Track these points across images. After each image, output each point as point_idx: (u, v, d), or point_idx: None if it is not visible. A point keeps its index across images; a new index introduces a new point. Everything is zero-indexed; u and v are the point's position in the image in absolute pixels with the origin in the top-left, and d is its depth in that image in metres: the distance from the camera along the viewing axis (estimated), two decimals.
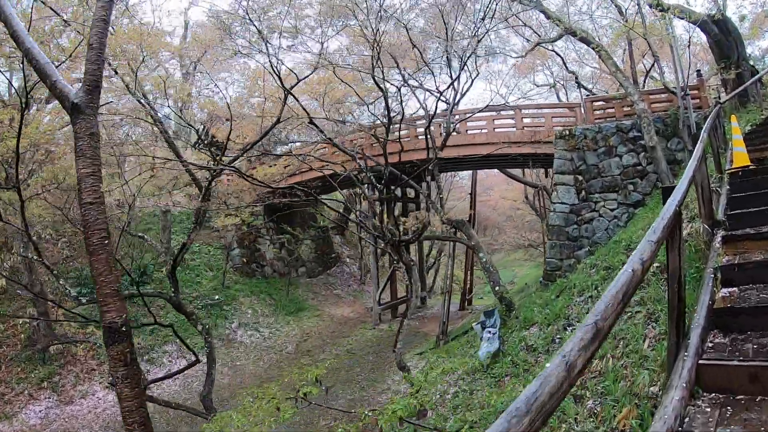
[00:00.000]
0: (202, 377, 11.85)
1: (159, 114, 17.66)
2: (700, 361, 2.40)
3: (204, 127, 19.11)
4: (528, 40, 16.61)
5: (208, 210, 9.89)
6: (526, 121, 15.96)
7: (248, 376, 15.20)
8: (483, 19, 10.88)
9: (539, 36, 15.31)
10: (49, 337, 13.97)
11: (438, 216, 13.42)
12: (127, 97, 9.50)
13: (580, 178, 13.31)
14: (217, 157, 9.01)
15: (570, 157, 13.50)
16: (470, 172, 24.71)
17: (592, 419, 3.89)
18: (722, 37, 12.66)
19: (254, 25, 7.81)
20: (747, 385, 2.24)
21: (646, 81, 20.24)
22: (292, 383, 6.41)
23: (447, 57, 11.30)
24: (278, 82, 8.24)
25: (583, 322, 1.23)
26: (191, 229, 9.24)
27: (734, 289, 3.35)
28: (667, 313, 2.91)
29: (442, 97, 12.25)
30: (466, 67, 13.95)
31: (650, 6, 12.09)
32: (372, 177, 9.63)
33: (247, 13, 7.79)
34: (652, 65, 14.85)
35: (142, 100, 8.23)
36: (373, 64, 8.82)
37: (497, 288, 12.10)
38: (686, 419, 2.10)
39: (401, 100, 11.12)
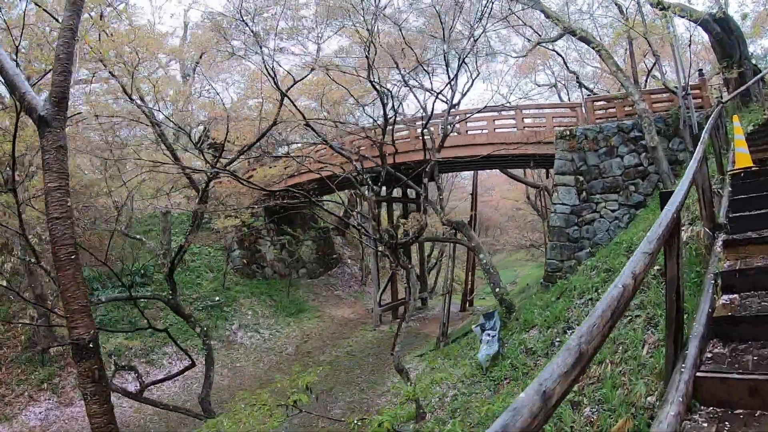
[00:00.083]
0: (202, 378, 11.82)
1: (159, 115, 17.69)
2: (698, 374, 2.32)
3: (205, 128, 19.09)
4: (529, 40, 16.51)
5: (206, 212, 9.83)
6: (527, 121, 15.86)
7: (248, 378, 15.16)
8: (480, 19, 10.78)
9: (540, 36, 15.20)
10: (49, 339, 13.95)
11: (438, 217, 13.34)
12: (135, 97, 9.43)
13: (581, 178, 13.21)
14: (215, 160, 8.96)
15: (571, 157, 13.41)
16: (472, 172, 24.57)
17: (588, 427, 3.82)
18: (724, 35, 12.54)
19: (248, 27, 7.74)
20: (746, 399, 2.16)
21: (648, 80, 20.12)
22: (286, 388, 6.35)
23: (445, 57, 11.21)
24: (273, 84, 8.18)
25: (565, 345, 1.15)
26: (188, 232, 9.18)
27: (735, 295, 3.26)
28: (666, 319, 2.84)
29: (440, 98, 12.16)
30: (466, 68, 13.89)
31: (651, 5, 11.98)
32: (369, 179, 9.55)
33: (241, 15, 7.71)
34: (654, 65, 14.73)
35: (139, 103, 8.18)
36: (368, 65, 8.74)
37: (497, 290, 12.02)
38: None
39: (393, 103, 10.99)
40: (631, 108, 12.91)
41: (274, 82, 8.12)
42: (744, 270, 3.41)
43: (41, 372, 13.62)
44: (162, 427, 11.96)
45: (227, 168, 9.68)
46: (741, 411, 2.14)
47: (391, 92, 13.49)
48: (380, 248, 10.62)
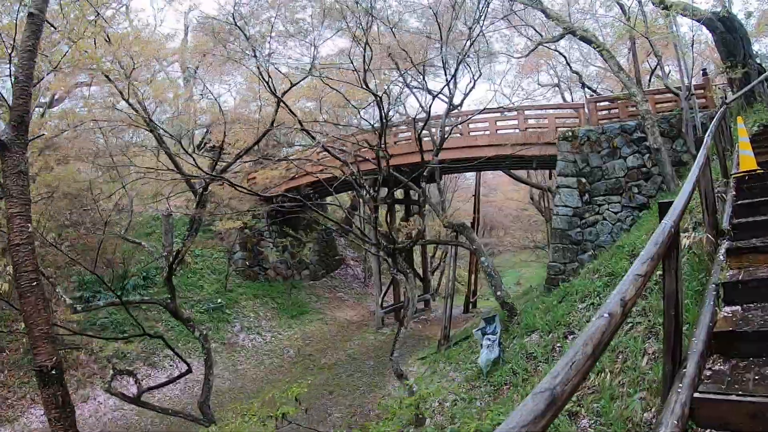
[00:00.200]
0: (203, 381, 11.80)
1: (160, 118, 17.66)
2: (696, 394, 2.22)
3: (207, 131, 19.06)
4: (531, 40, 16.37)
5: (204, 216, 9.78)
6: (529, 122, 15.74)
7: (249, 381, 15.12)
8: (477, 21, 10.66)
9: (542, 36, 15.07)
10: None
11: (439, 220, 13.24)
12: (132, 101, 9.39)
13: (584, 180, 13.07)
14: (213, 164, 8.91)
15: (573, 158, 13.27)
16: (475, 173, 24.41)
17: None
18: (728, 34, 12.35)
19: (242, 31, 7.66)
20: (746, 422, 2.06)
21: (651, 80, 19.92)
22: (276, 399, 6.27)
23: (443, 58, 11.10)
24: (268, 88, 8.11)
25: (537, 387, 1.05)
26: (187, 236, 9.14)
27: (737, 308, 3.16)
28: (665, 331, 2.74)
29: (441, 98, 12.04)
30: (468, 69, 13.75)
31: (654, 4, 11.82)
32: (365, 182, 9.45)
33: (234, 19, 7.64)
34: (657, 64, 14.57)
35: (136, 107, 8.14)
36: (364, 68, 8.66)
37: (499, 293, 11.90)
38: None
39: (389, 106, 10.82)
40: (634, 108, 12.76)
41: (268, 86, 8.05)
42: (747, 281, 3.29)
43: None
44: (163, 429, 11.95)
45: (225, 171, 9.63)
46: None
47: (389, 95, 13.38)
48: (376, 252, 10.52)
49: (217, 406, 12.08)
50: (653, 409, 2.98)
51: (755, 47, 15.22)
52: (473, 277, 22.93)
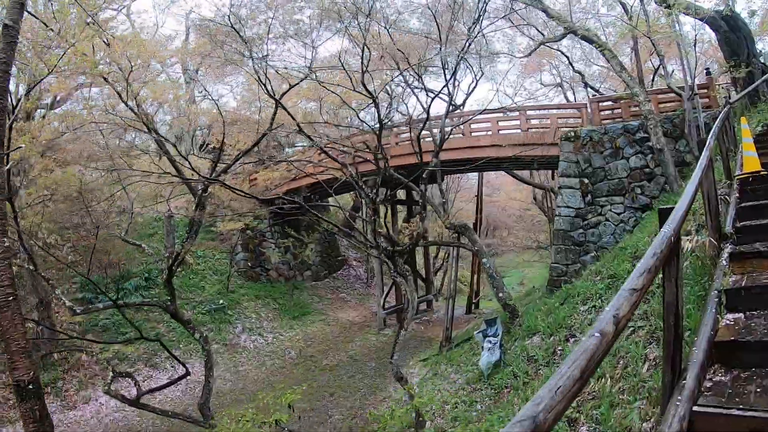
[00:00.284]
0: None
1: (164, 119, 17.64)
2: (695, 408, 2.15)
3: (209, 132, 19.05)
4: (533, 40, 16.28)
5: (204, 218, 9.74)
6: (532, 122, 15.64)
7: (250, 382, 15.10)
8: (477, 20, 10.58)
9: (543, 35, 14.96)
10: (53, 343, 13.99)
11: (441, 220, 13.17)
12: (131, 103, 9.38)
13: (586, 181, 12.97)
14: (212, 166, 8.88)
15: (575, 159, 13.18)
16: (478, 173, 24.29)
17: None
18: (731, 33, 12.21)
19: (238, 33, 7.61)
20: None
21: (654, 80, 19.77)
22: (269, 405, 6.22)
23: (441, 59, 11.02)
24: (265, 90, 8.06)
25: (519, 414, 0.98)
26: (186, 238, 9.11)
27: (740, 315, 3.08)
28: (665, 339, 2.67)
29: (442, 98, 11.96)
30: (470, 69, 13.68)
31: (656, 2, 11.70)
32: (366, 183, 9.39)
33: (230, 21, 7.58)
34: (660, 64, 14.43)
35: (135, 109, 8.12)
36: (362, 69, 8.60)
37: (501, 294, 11.83)
38: None
39: (384, 107, 10.73)
40: (637, 108, 12.65)
41: (265, 88, 8.00)
42: (750, 288, 3.22)
43: (44, 375, 13.64)
44: (164, 431, 11.94)
45: (226, 173, 9.59)
46: None
47: (391, 95, 13.31)
48: (375, 255, 10.45)
49: (218, 407, 12.06)
50: (652, 420, 2.92)
51: (759, 46, 15.06)
52: (476, 277, 22.82)
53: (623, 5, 12.20)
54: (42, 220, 11.50)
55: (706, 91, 12.75)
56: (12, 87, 12.20)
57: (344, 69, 8.76)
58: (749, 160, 6.68)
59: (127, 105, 7.73)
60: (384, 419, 5.68)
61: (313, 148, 15.75)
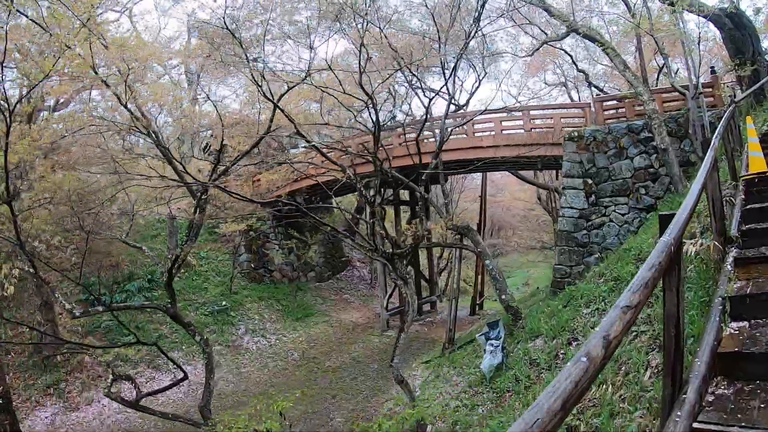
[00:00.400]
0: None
1: (168, 121, 17.61)
2: (695, 424, 2.06)
3: (211, 134, 19.04)
4: (536, 39, 16.14)
5: (204, 220, 9.70)
6: (535, 122, 15.51)
7: (253, 384, 15.08)
8: (476, 20, 10.47)
9: (546, 34, 14.82)
10: (56, 345, 14.01)
11: (443, 222, 13.07)
12: (131, 105, 9.36)
13: (590, 181, 12.82)
14: (213, 168, 8.83)
15: (579, 159, 13.04)
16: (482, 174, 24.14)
17: None
18: (736, 31, 12.02)
19: (233, 35, 7.55)
20: None
21: (659, 79, 19.57)
22: (261, 412, 6.15)
23: (441, 58, 10.92)
24: (262, 93, 8.01)
25: None
26: (185, 241, 9.07)
27: (744, 323, 2.98)
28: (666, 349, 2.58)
29: (444, 99, 11.85)
30: (473, 68, 13.57)
31: (660, 0, 11.53)
32: (369, 183, 9.32)
33: (225, 23, 7.52)
34: (664, 63, 14.27)
35: (135, 112, 8.09)
36: (360, 69, 8.52)
37: (503, 296, 11.72)
38: None
39: (386, 108, 10.62)
40: (641, 108, 12.49)
41: (261, 90, 7.94)
42: (755, 295, 3.11)
43: (47, 377, 13.70)
44: None
45: (227, 174, 9.55)
46: None
47: (394, 96, 13.24)
48: (377, 257, 10.37)
49: (220, 409, 12.04)
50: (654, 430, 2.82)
51: (764, 44, 14.81)
52: (480, 278, 22.69)
53: (626, 3, 12.05)
54: (45, 223, 11.50)
55: (710, 89, 12.56)
56: (15, 91, 12.26)
57: (333, 72, 8.68)
58: (755, 161, 6.54)
59: (126, 108, 7.70)
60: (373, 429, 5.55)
61: (312, 150, 15.70)
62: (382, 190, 12.92)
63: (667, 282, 2.36)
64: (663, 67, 17.77)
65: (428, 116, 11.83)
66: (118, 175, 10.18)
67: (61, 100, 16.27)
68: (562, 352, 7.52)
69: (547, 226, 34.13)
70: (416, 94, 14.61)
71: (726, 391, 2.40)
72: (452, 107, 20.60)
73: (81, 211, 11.16)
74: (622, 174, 12.54)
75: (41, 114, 15.46)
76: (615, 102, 14.47)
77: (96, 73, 6.91)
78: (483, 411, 7.92)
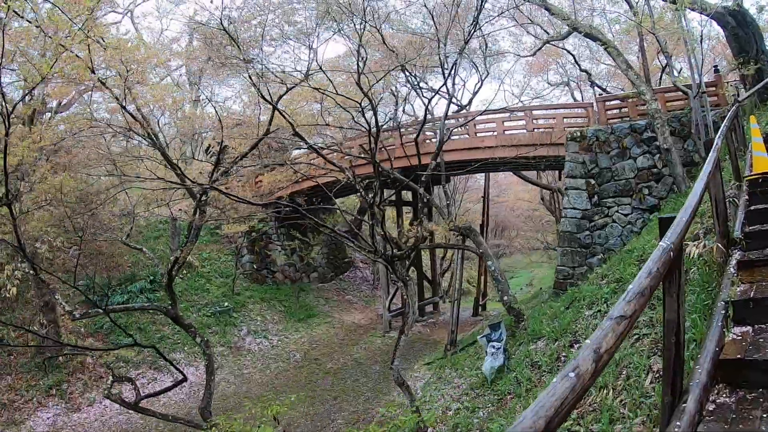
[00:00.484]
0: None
1: (166, 122, 17.62)
2: None
3: (213, 137, 19.03)
4: (538, 38, 16.04)
5: (203, 222, 9.67)
6: (538, 122, 15.41)
7: (255, 385, 15.05)
8: (475, 20, 10.40)
9: (548, 34, 14.73)
10: (58, 347, 14.04)
11: (445, 223, 13.01)
12: (131, 107, 9.36)
13: (593, 181, 12.73)
14: (213, 169, 8.80)
15: (582, 159, 12.94)
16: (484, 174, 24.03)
17: None
18: (740, 29, 11.88)
19: (230, 36, 7.51)
20: None
21: (663, 78, 19.42)
22: (256, 416, 6.10)
23: (440, 58, 10.85)
24: (260, 95, 7.97)
25: None
26: (184, 243, 9.05)
27: (748, 328, 2.91)
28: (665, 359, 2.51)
29: (443, 96, 11.77)
30: (475, 68, 13.49)
31: None
32: (367, 186, 9.28)
33: (222, 24, 7.48)
34: (667, 63, 14.15)
35: (134, 114, 8.07)
36: (358, 70, 8.46)
37: (506, 298, 11.65)
38: None
39: (374, 111, 10.45)
40: (644, 107, 12.39)
41: (259, 92, 7.90)
42: (759, 299, 3.03)
43: (50, 378, 13.72)
44: None
45: (226, 177, 9.52)
46: None
47: (396, 96, 13.18)
48: (377, 259, 10.31)
49: (222, 410, 12.01)
50: None
51: None
52: (483, 279, 22.59)
53: (628, 1, 11.94)
54: (46, 224, 11.51)
55: (714, 89, 12.44)
56: (18, 93, 12.28)
57: (326, 74, 8.63)
58: (759, 161, 6.45)
59: (125, 109, 7.68)
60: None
61: (311, 152, 15.66)
62: (384, 191, 12.85)
63: (667, 287, 2.30)
64: (666, 66, 17.64)
65: (427, 117, 11.77)
66: (118, 177, 10.16)
67: (64, 102, 16.33)
68: (563, 354, 7.44)
69: (551, 227, 34.02)
70: (417, 94, 14.54)
71: (727, 399, 2.33)
72: (455, 107, 20.58)
73: (81, 212, 11.17)
74: (625, 174, 12.43)
75: (46, 116, 15.50)
76: (618, 102, 14.37)
77: (94, 74, 6.88)
78: (484, 414, 7.85)
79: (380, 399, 12.60)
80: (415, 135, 16.23)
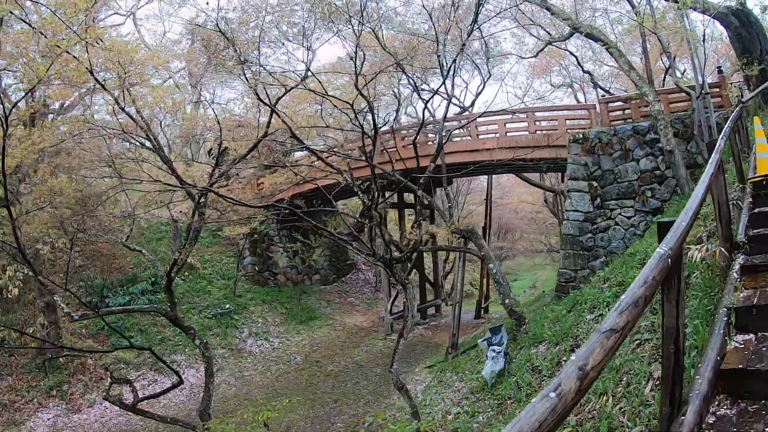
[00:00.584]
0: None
1: (169, 124, 17.63)
2: None
3: (215, 138, 19.02)
4: (540, 40, 15.95)
5: (201, 226, 9.64)
6: (540, 124, 15.31)
7: (255, 387, 15.01)
8: (474, 20, 10.33)
9: (550, 35, 14.64)
10: (57, 348, 14.04)
11: (446, 225, 12.93)
12: (131, 109, 9.34)
13: (595, 184, 12.62)
14: (212, 171, 8.77)
15: (584, 162, 12.83)
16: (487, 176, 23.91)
17: None
18: (743, 30, 11.74)
19: (226, 37, 7.48)
20: None
21: (666, 79, 19.28)
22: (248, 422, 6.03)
23: (438, 59, 10.77)
24: (257, 96, 7.94)
25: None
26: (183, 245, 9.02)
27: (750, 336, 2.82)
28: (666, 366, 2.43)
29: (443, 97, 11.69)
30: (477, 70, 13.42)
31: None
32: (359, 189, 9.21)
33: (218, 26, 7.45)
34: (670, 64, 14.04)
35: (134, 116, 8.05)
36: (356, 72, 8.41)
37: (507, 301, 11.56)
38: None
39: (372, 113, 10.34)
40: (647, 109, 12.28)
41: (257, 94, 7.87)
42: (762, 306, 2.94)
43: (50, 379, 13.73)
44: None
45: (226, 179, 9.50)
46: None
47: (399, 98, 13.11)
48: (376, 262, 10.24)
49: (222, 412, 11.98)
50: None
51: None
52: (485, 281, 22.47)
53: (629, 0, 11.83)
54: (46, 226, 11.51)
55: (717, 90, 12.32)
56: (20, 95, 12.28)
57: (317, 78, 8.56)
58: (763, 162, 6.35)
59: (123, 111, 7.66)
60: None
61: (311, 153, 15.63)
62: (385, 193, 12.79)
63: (665, 294, 2.22)
64: (669, 67, 17.54)
65: (425, 118, 11.69)
66: (118, 178, 10.15)
67: (66, 104, 16.36)
68: (564, 359, 7.35)
69: (554, 229, 33.85)
70: (420, 96, 14.48)
71: (728, 411, 2.25)
72: (457, 109, 20.51)
73: (81, 213, 11.17)
74: (627, 176, 12.32)
75: (48, 117, 15.53)
76: (620, 103, 14.26)
77: (93, 75, 6.86)
78: (483, 419, 7.76)
79: (380, 402, 12.53)
80: (415, 137, 16.20)
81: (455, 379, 11.25)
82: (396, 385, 8.32)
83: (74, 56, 6.16)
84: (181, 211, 18.05)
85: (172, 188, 8.97)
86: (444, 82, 11.21)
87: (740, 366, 2.43)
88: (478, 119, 15.57)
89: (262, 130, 9.73)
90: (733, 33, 12.07)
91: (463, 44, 10.04)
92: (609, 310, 7.40)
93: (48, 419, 12.86)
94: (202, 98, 20.08)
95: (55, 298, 8.96)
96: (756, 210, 5.16)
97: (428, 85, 18.59)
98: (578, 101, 23.58)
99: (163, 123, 14.27)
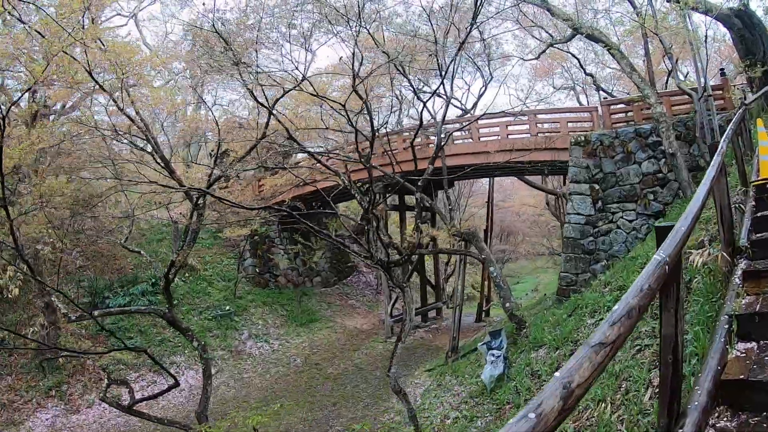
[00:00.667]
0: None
1: (170, 124, 17.63)
2: None
3: (217, 139, 19.02)
4: (542, 42, 15.88)
5: (199, 227, 9.60)
6: (542, 126, 15.24)
7: (254, 389, 14.95)
8: (473, 21, 10.26)
9: (552, 36, 14.57)
10: (50, 349, 14.01)
11: (447, 228, 12.86)
12: (130, 110, 9.31)
13: (597, 187, 12.53)
14: (210, 172, 8.74)
15: (586, 164, 12.75)
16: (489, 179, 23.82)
17: None
18: (746, 31, 11.65)
19: (222, 38, 7.44)
20: None
21: (668, 82, 19.18)
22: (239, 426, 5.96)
23: (437, 61, 10.71)
24: (254, 98, 7.90)
25: None
26: (181, 246, 8.97)
27: (752, 344, 2.74)
28: (665, 372, 2.35)
29: (440, 105, 11.65)
30: (480, 71, 13.35)
31: None
32: (357, 192, 9.14)
33: (214, 27, 7.41)
34: (673, 66, 13.95)
35: (133, 117, 8.03)
36: (353, 74, 8.36)
37: (507, 304, 11.46)
38: None
39: (370, 114, 10.25)
40: (649, 111, 12.18)
41: (254, 96, 7.83)
42: (765, 313, 2.86)
43: (49, 379, 13.71)
44: None
45: (226, 181, 9.46)
46: None
47: (400, 100, 13.05)
48: (373, 265, 10.18)
49: (221, 414, 11.93)
50: None
51: None
52: (486, 284, 22.37)
53: (631, 1, 11.75)
54: (45, 226, 11.50)
55: (720, 92, 12.22)
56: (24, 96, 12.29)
57: (309, 82, 8.48)
58: (766, 165, 6.27)
59: (122, 111, 7.63)
60: None
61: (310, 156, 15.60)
62: (385, 195, 12.73)
63: (664, 302, 2.15)
64: (672, 69, 17.46)
65: (423, 120, 11.61)
66: (117, 179, 10.13)
67: (69, 105, 16.37)
68: (563, 364, 7.27)
69: (557, 232, 33.71)
70: (420, 98, 14.43)
71: (728, 424, 2.17)
72: (459, 111, 20.44)
73: (80, 214, 11.15)
74: (629, 179, 12.23)
75: (50, 118, 15.55)
76: (622, 105, 14.17)
77: (92, 75, 6.83)
78: (482, 424, 7.68)
79: (379, 406, 12.44)
80: (419, 138, 16.14)
81: (455, 383, 11.16)
82: (394, 389, 8.25)
83: (72, 57, 6.14)
84: (180, 213, 18.06)
85: (170, 190, 8.93)
86: (442, 83, 11.14)
87: (741, 376, 2.36)
88: (480, 121, 15.51)
89: (262, 131, 9.70)
90: (735, 34, 11.98)
91: (461, 43, 9.97)
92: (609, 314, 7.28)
93: (47, 419, 12.84)
94: (204, 100, 20.06)
95: (53, 298, 8.90)
96: (759, 214, 5.09)
97: (429, 87, 18.55)
98: (580, 104, 23.50)
99: (164, 124, 14.24)
